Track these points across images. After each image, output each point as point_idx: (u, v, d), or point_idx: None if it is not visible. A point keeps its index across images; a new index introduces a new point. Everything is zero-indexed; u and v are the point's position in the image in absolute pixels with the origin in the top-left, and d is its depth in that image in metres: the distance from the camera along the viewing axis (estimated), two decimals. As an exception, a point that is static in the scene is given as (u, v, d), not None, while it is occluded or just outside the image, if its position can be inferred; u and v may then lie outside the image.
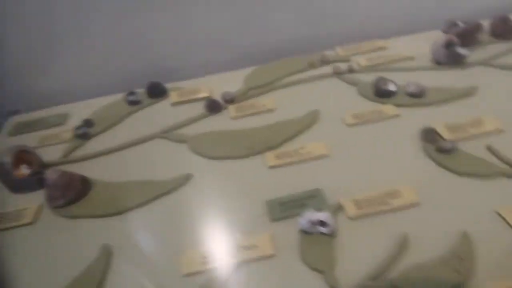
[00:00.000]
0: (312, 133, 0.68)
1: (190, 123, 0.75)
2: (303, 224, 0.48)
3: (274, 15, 0.95)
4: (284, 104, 0.76)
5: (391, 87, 0.72)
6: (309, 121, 0.70)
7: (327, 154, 0.62)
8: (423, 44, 0.85)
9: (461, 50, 0.78)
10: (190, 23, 0.93)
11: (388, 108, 0.69)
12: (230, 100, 0.78)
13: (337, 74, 0.82)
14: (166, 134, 0.73)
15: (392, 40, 0.93)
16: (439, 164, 0.56)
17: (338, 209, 0.52)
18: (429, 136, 0.60)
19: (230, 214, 0.55)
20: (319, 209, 0.50)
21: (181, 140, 0.70)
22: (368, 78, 0.77)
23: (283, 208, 0.53)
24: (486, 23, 0.87)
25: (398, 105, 0.70)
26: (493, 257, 0.43)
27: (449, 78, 0.76)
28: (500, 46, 0.83)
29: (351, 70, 0.82)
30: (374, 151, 0.61)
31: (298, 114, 0.72)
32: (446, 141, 0.58)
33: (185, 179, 0.61)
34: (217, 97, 0.80)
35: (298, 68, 0.86)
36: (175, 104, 0.82)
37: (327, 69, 0.84)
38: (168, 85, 0.87)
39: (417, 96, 0.70)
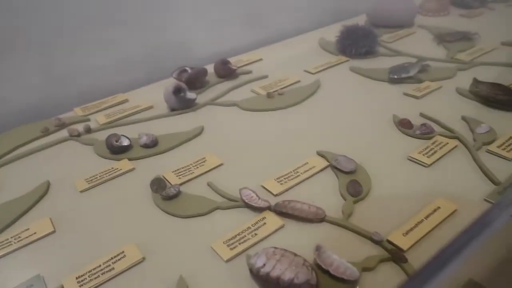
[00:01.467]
0: (40, 210, 0.61)
1: None
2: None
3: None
4: (11, 182, 0.68)
5: (124, 142, 0.72)
6: (37, 196, 0.63)
7: (53, 231, 0.56)
8: (161, 92, 0.90)
9: (189, 95, 0.86)
10: None
11: (123, 164, 0.69)
12: None
13: (73, 136, 0.78)
14: None
15: (133, 92, 0.95)
16: (166, 211, 0.58)
17: (60, 292, 0.47)
18: (157, 185, 0.62)
19: None
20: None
21: None
22: (106, 135, 0.76)
23: (-8, 314, 0.45)
24: (211, 67, 0.98)
25: (133, 159, 0.70)
26: (208, 293, 0.46)
27: (183, 122, 0.81)
28: (223, 86, 0.94)
29: (88, 130, 0.79)
30: (106, 214, 0.59)
31: (27, 190, 0.65)
32: (171, 187, 0.61)
33: None
34: None
35: (31, 137, 0.78)
36: None
37: (63, 133, 0.80)
38: None
39: (151, 146, 0.73)
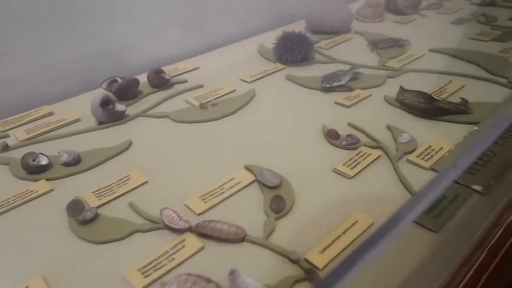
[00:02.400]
0: None
1: None
2: None
3: None
4: None
5: (42, 161, 0.68)
6: None
7: (-46, 265, 0.52)
8: (81, 105, 0.86)
9: (118, 107, 0.82)
10: None
11: (40, 185, 0.65)
12: None
13: (-12, 155, 0.72)
14: None
15: (60, 104, 0.90)
16: (81, 237, 0.55)
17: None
18: (74, 208, 0.59)
19: None
20: None
21: None
22: (25, 153, 0.71)
23: None
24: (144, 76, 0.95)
25: (52, 179, 0.66)
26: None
27: (111, 136, 0.78)
28: (156, 96, 0.91)
29: (5, 148, 0.74)
30: (14, 244, 0.55)
31: None
32: (88, 210, 0.58)
33: None
34: None
35: None
36: None
37: (-23, 152, 0.74)
38: None
39: (72, 165, 0.69)
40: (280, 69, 1.01)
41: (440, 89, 0.86)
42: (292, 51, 1.01)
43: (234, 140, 0.75)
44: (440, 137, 0.70)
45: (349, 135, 0.70)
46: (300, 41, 1.02)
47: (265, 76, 0.98)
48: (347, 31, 1.22)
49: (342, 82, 0.89)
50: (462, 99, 0.80)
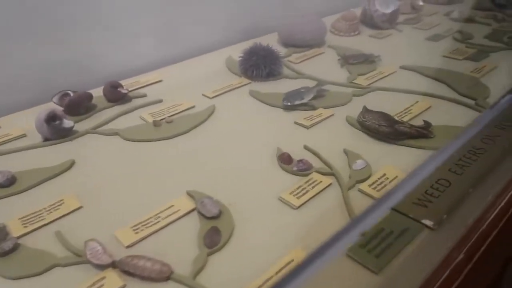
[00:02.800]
0: None
1: None
2: None
3: None
4: None
5: (-29, 183, 0.63)
6: None
7: None
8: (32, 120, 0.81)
9: (65, 123, 0.78)
10: None
11: (-35, 209, 0.60)
12: None
13: None
14: None
15: (9, 118, 0.86)
16: (-5, 272, 0.51)
17: None
18: (-6, 238, 0.54)
19: None
20: None
21: None
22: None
23: None
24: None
25: (-20, 202, 0.62)
26: None
27: (56, 154, 0.73)
28: (111, 111, 0.87)
29: None
30: None
31: None
32: (7, 240, 0.53)
33: None
34: None
35: None
36: None
37: None
38: None
39: (6, 186, 0.64)
40: (245, 84, 0.97)
41: (405, 109, 0.83)
42: (258, 65, 0.98)
43: (183, 162, 0.71)
44: (398, 164, 0.66)
45: (300, 160, 0.66)
46: (266, 55, 0.99)
47: (229, 91, 0.95)
48: (321, 44, 1.19)
49: (305, 100, 0.85)
50: (425, 122, 0.76)
